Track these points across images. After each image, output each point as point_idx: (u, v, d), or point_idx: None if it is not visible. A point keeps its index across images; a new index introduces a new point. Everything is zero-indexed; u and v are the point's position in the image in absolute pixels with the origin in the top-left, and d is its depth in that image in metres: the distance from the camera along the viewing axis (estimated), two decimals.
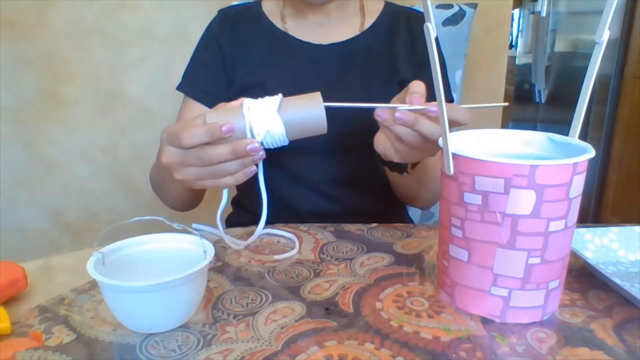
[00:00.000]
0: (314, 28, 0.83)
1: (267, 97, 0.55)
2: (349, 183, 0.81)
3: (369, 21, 0.83)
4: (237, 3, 0.94)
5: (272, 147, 0.56)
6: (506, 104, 0.60)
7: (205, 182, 0.56)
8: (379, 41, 0.82)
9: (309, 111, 0.55)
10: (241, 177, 0.55)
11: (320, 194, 0.81)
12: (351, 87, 0.79)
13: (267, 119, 0.54)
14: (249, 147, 0.52)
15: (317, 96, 0.55)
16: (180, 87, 0.84)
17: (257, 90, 0.78)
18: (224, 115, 0.54)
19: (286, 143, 0.56)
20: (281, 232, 0.67)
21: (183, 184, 0.57)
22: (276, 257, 0.60)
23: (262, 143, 0.55)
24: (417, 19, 0.84)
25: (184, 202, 0.79)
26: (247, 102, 0.55)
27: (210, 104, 0.81)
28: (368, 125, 0.59)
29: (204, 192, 0.83)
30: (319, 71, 0.80)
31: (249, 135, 0.54)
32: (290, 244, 0.64)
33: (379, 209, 0.84)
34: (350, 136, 0.73)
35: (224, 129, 0.51)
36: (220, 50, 0.82)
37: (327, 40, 0.82)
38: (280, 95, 0.56)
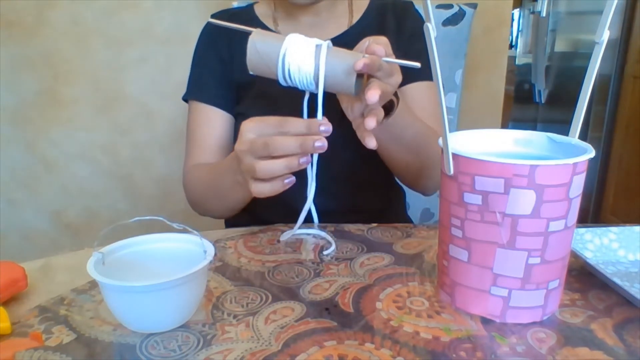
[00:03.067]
0: (306, 29, 0.84)
1: (315, 39, 0.57)
2: (348, 180, 0.81)
3: (357, 17, 0.85)
4: (234, 7, 0.94)
5: (300, 87, 0.58)
6: (417, 64, 0.57)
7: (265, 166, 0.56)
8: (367, 34, 0.83)
9: (344, 68, 0.56)
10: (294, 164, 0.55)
11: (319, 191, 0.81)
12: None
13: (303, 55, 0.56)
14: (322, 127, 0.53)
15: (358, 56, 0.56)
16: (188, 95, 0.85)
17: (251, 88, 0.80)
18: (270, 37, 0.57)
19: (312, 88, 0.57)
20: (319, 231, 0.67)
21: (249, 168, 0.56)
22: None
23: (290, 75, 0.56)
24: (402, 5, 0.86)
25: (238, 205, 0.77)
26: (293, 35, 0.57)
27: (221, 105, 0.83)
28: None
29: None
30: None
31: (279, 61, 0.56)
32: (291, 245, 0.64)
33: (377, 206, 0.85)
34: (350, 132, 0.73)
35: (322, 128, 0.53)
36: (218, 53, 0.84)
37: None
38: (328, 42, 0.57)
